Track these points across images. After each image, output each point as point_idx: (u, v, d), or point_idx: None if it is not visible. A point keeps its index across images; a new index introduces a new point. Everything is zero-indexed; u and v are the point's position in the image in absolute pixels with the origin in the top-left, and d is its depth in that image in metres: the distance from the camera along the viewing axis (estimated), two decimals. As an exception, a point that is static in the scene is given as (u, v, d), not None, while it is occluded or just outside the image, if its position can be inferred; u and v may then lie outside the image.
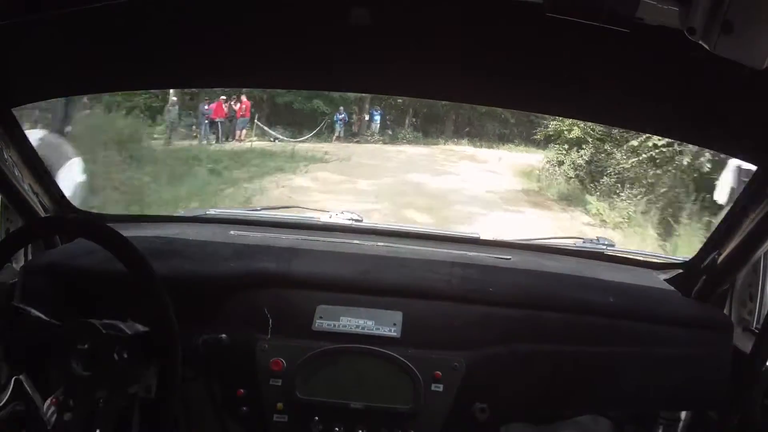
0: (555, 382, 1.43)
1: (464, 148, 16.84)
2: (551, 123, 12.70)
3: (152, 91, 11.13)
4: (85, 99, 8.82)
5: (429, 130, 18.48)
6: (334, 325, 1.42)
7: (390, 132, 17.95)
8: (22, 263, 1.56)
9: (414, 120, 18.50)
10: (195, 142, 13.39)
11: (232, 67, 1.43)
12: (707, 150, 7.26)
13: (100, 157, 8.42)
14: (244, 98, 14.41)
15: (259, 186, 9.81)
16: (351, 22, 1.12)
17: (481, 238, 1.89)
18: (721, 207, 6.54)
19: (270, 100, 16.07)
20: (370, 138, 17.14)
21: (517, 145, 17.51)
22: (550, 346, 1.43)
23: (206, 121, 13.90)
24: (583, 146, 11.59)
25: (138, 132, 10.63)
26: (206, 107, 13.88)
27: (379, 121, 17.65)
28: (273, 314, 1.42)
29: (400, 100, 16.36)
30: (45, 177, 1.62)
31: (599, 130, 11.09)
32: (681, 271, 1.69)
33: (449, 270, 1.57)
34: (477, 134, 18.42)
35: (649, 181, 9.94)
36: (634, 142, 10.17)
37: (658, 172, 9.85)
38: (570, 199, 10.95)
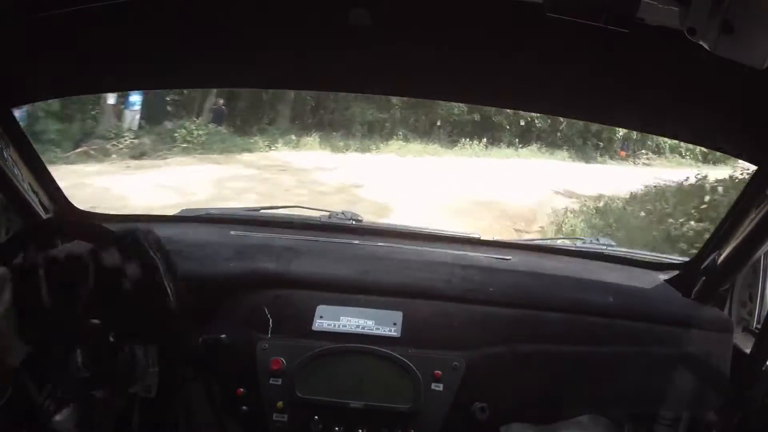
0: (555, 382, 1.43)
1: (313, 159, 8.90)
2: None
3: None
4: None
5: (251, 119, 10.37)
6: (335, 325, 1.42)
7: (169, 125, 9.23)
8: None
9: (221, 103, 10.06)
10: None
11: (232, 67, 1.43)
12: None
13: None
14: None
15: None
16: (351, 23, 1.12)
17: (482, 238, 1.89)
18: None
19: None
20: (112, 146, 8.10)
21: (398, 138, 10.90)
22: (550, 346, 1.43)
23: None
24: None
25: None
26: None
27: (139, 108, 8.86)
28: (273, 314, 1.42)
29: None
30: (45, 177, 1.62)
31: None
32: (681, 271, 1.69)
33: (449, 270, 1.57)
34: (339, 123, 10.78)
35: None
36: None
37: None
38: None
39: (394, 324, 1.42)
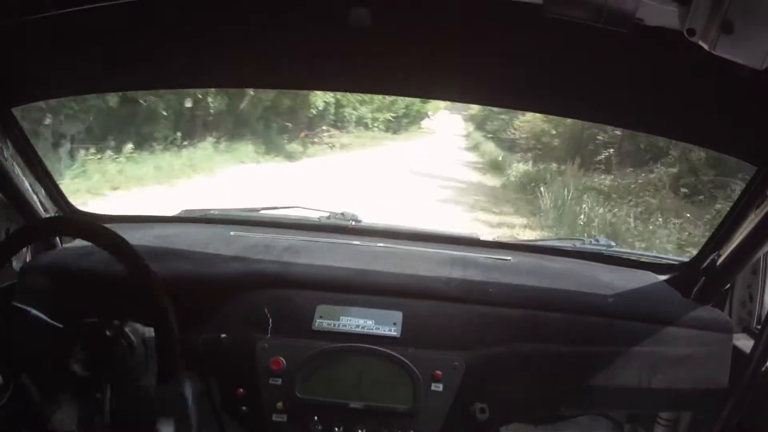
0: (555, 382, 1.43)
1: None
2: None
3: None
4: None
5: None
6: (334, 325, 1.42)
7: None
8: (21, 263, 1.56)
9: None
10: None
11: (232, 67, 1.43)
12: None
13: None
14: None
15: None
16: (351, 23, 1.12)
17: (481, 238, 1.89)
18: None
19: None
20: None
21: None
22: (550, 347, 1.43)
23: None
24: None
25: None
26: None
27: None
28: (273, 314, 1.42)
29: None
30: (45, 177, 1.63)
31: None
32: (681, 272, 1.69)
33: (449, 270, 1.57)
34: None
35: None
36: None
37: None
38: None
39: (394, 324, 1.42)
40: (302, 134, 13.01)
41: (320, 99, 12.62)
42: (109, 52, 1.27)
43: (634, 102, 1.33)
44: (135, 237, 1.35)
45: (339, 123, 14.90)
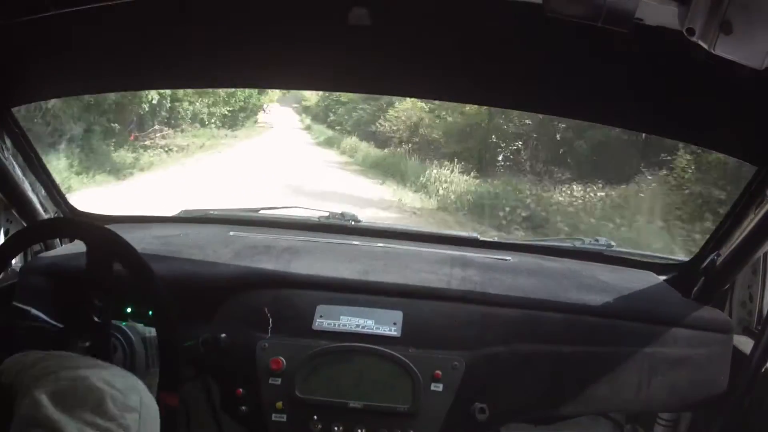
0: (555, 382, 1.43)
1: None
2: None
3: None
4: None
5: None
6: (335, 325, 1.42)
7: None
8: (21, 263, 1.56)
9: None
10: None
11: (231, 67, 1.43)
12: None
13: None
14: None
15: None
16: (351, 23, 1.12)
17: (480, 238, 1.89)
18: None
19: None
20: None
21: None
22: (549, 347, 1.43)
23: None
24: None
25: None
26: None
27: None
28: (273, 314, 1.42)
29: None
30: (45, 177, 1.63)
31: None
32: (680, 272, 1.69)
33: (449, 270, 1.57)
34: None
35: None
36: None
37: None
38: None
39: (394, 324, 1.42)
40: (131, 136, 10.92)
41: (155, 91, 10.62)
42: (109, 52, 1.28)
43: (634, 102, 1.33)
44: (135, 237, 1.35)
45: (173, 120, 12.67)
